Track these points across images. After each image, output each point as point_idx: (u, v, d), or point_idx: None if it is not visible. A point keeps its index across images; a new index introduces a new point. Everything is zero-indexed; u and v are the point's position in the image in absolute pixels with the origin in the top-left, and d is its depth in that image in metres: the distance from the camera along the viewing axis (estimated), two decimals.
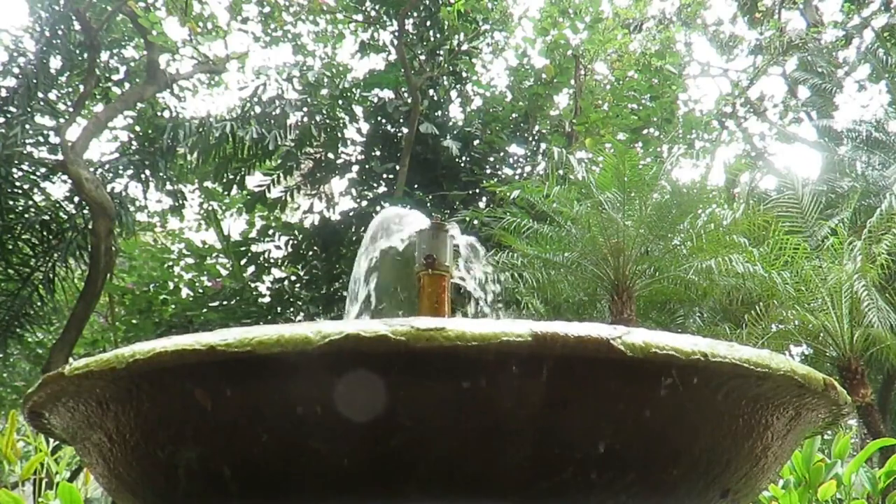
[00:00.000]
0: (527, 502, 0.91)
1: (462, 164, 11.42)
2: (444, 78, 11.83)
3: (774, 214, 8.09)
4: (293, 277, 11.47)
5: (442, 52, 11.65)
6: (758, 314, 7.70)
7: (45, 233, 9.31)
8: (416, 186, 10.89)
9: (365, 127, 12.21)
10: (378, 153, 11.86)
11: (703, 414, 0.96)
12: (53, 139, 9.22)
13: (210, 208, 12.32)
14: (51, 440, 2.87)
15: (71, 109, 9.46)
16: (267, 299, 11.25)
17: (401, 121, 11.62)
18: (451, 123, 11.88)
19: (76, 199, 9.36)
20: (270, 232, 11.74)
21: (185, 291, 11.56)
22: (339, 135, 11.95)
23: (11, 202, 8.96)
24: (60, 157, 8.51)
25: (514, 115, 11.97)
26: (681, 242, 7.68)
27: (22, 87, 8.84)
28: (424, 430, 0.88)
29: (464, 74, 12.15)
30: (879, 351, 7.52)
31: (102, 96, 10.90)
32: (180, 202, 11.59)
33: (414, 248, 1.68)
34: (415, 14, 11.54)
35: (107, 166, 9.93)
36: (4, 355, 10.57)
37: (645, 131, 12.11)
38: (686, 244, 7.61)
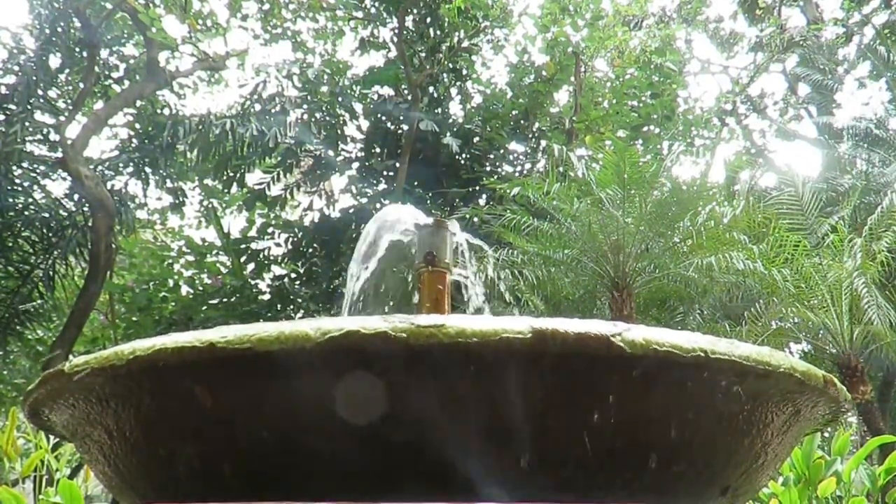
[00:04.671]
0: (526, 499, 0.91)
1: (462, 162, 11.40)
2: (444, 75, 11.81)
3: (774, 211, 8.09)
4: (293, 275, 11.46)
5: (442, 50, 11.63)
6: (758, 311, 7.71)
7: (45, 230, 9.30)
8: (416, 184, 10.87)
9: (365, 124, 12.20)
10: (378, 150, 11.84)
11: (702, 411, 0.96)
12: (53, 136, 9.21)
13: (210, 206, 12.30)
14: (51, 437, 2.87)
15: (71, 107, 9.45)
16: (267, 297, 11.24)
17: (401, 118, 11.60)
18: (451, 120, 11.85)
19: (76, 196, 9.36)
20: (270, 229, 11.74)
21: (185, 289, 11.53)
22: (339, 132, 11.94)
23: (11, 199, 8.94)
24: (60, 154, 8.50)
25: (514, 113, 11.96)
26: (681, 240, 7.67)
27: (22, 85, 8.82)
28: (425, 427, 0.88)
29: (464, 71, 12.13)
30: (879, 348, 7.52)
31: (102, 94, 10.88)
32: (180, 200, 11.58)
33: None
34: (415, 11, 11.53)
35: (107, 164, 9.92)
36: (4, 352, 10.55)
37: (645, 128, 12.10)
38: (686, 241, 7.61)
